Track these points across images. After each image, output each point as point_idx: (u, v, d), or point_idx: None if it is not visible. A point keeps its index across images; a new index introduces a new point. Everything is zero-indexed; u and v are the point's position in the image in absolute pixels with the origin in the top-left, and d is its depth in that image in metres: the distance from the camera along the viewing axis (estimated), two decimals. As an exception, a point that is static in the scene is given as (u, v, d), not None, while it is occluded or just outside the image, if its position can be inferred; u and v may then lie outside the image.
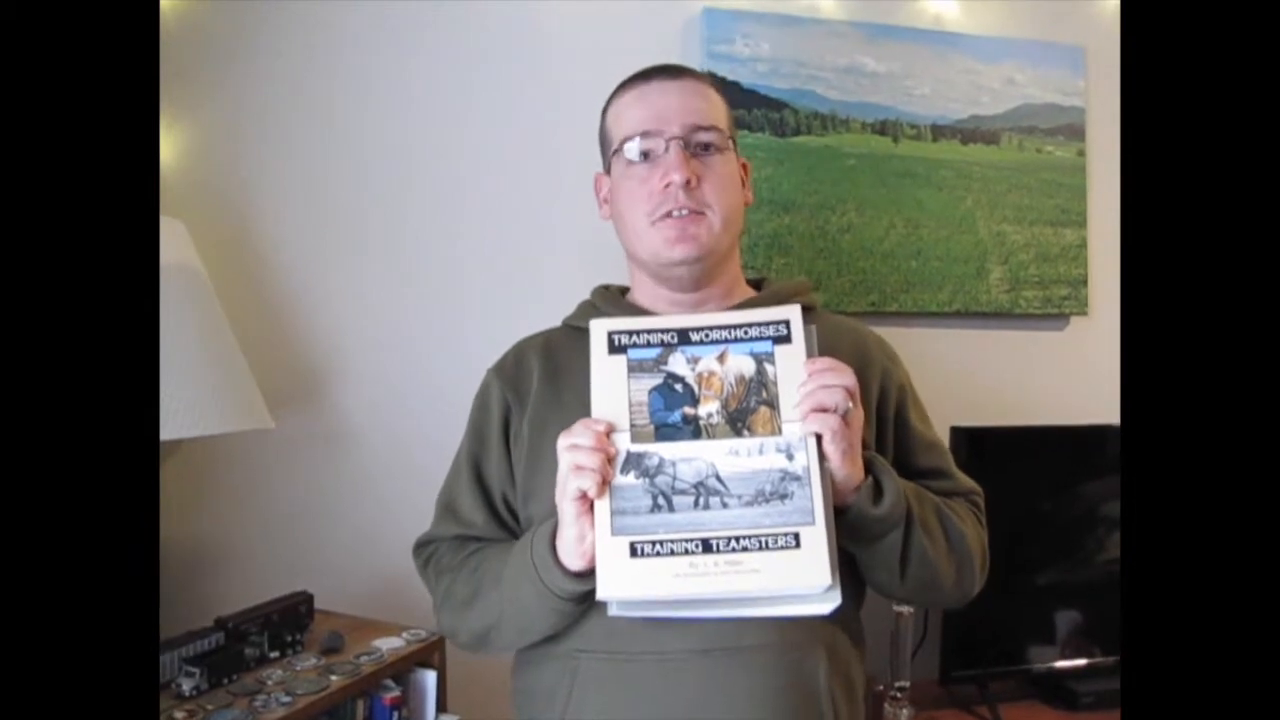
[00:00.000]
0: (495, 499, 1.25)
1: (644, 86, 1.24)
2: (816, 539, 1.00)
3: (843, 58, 2.16)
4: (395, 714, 1.51)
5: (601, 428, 1.03)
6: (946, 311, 2.21)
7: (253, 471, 1.85)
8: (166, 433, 1.38)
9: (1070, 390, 2.31)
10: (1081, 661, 2.06)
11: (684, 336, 1.10)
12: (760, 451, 1.04)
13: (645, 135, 1.20)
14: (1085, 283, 2.32)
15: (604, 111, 1.30)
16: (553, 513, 1.13)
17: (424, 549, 1.31)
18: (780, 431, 1.05)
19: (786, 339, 1.09)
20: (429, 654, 1.59)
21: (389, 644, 1.56)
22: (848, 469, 1.05)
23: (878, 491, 1.10)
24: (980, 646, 2.00)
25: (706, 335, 1.10)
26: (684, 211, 1.18)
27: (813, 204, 2.12)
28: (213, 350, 1.54)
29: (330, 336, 1.91)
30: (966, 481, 1.30)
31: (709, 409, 1.06)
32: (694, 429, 1.06)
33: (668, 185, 1.17)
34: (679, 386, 1.08)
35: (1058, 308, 2.30)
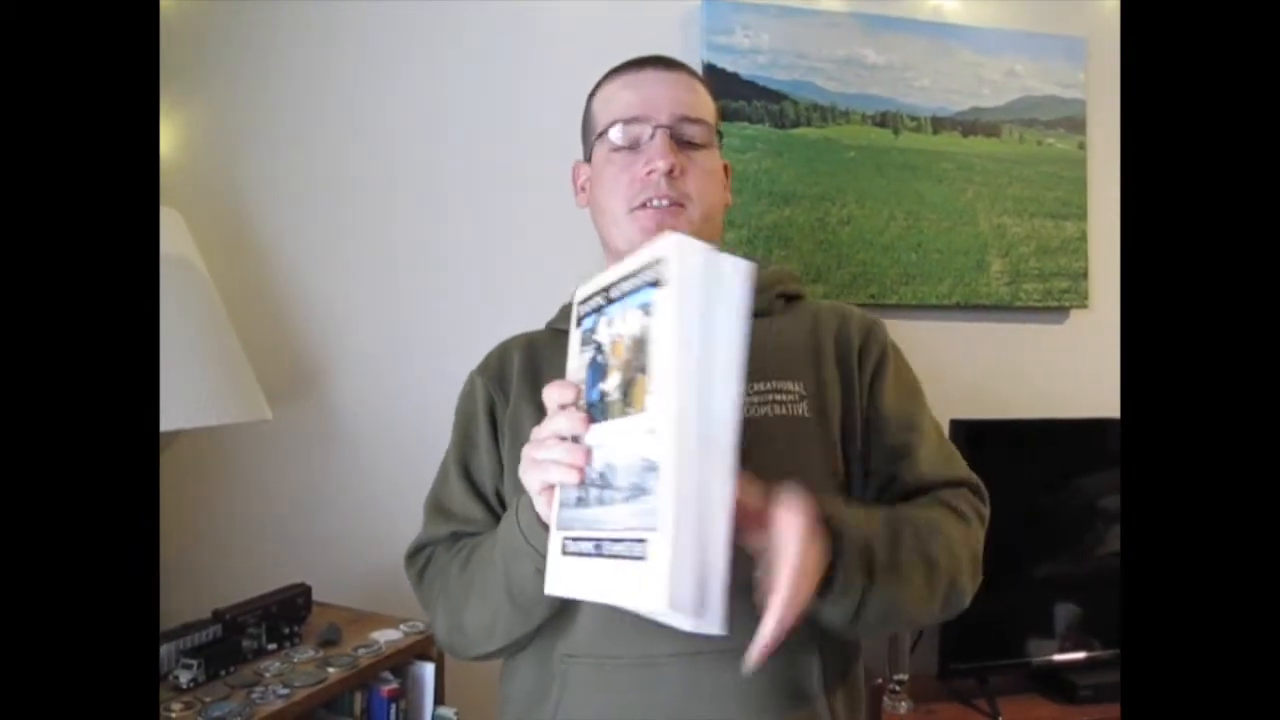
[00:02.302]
0: (488, 494, 1.22)
1: (635, 74, 1.21)
2: (661, 549, 0.77)
3: (843, 49, 2.16)
4: (393, 706, 1.51)
5: (583, 414, 0.90)
6: (946, 304, 2.21)
7: (251, 463, 1.85)
8: (164, 424, 1.37)
9: (1070, 383, 2.31)
10: (1080, 655, 2.06)
11: (608, 295, 0.91)
12: (633, 432, 0.83)
13: (633, 121, 1.18)
14: (1085, 275, 2.31)
15: (590, 97, 1.27)
16: None
17: (417, 557, 1.24)
18: (645, 407, 0.82)
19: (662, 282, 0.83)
20: (427, 646, 1.59)
21: (387, 636, 1.56)
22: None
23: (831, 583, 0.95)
24: (979, 640, 2.00)
25: (620, 289, 0.89)
26: (663, 202, 1.15)
27: (812, 196, 2.12)
28: (210, 341, 1.54)
29: (328, 328, 1.91)
30: (948, 471, 1.16)
31: (612, 381, 0.87)
32: (603, 407, 0.88)
33: (650, 172, 1.15)
34: (600, 357, 0.91)
35: (1058, 300, 2.30)
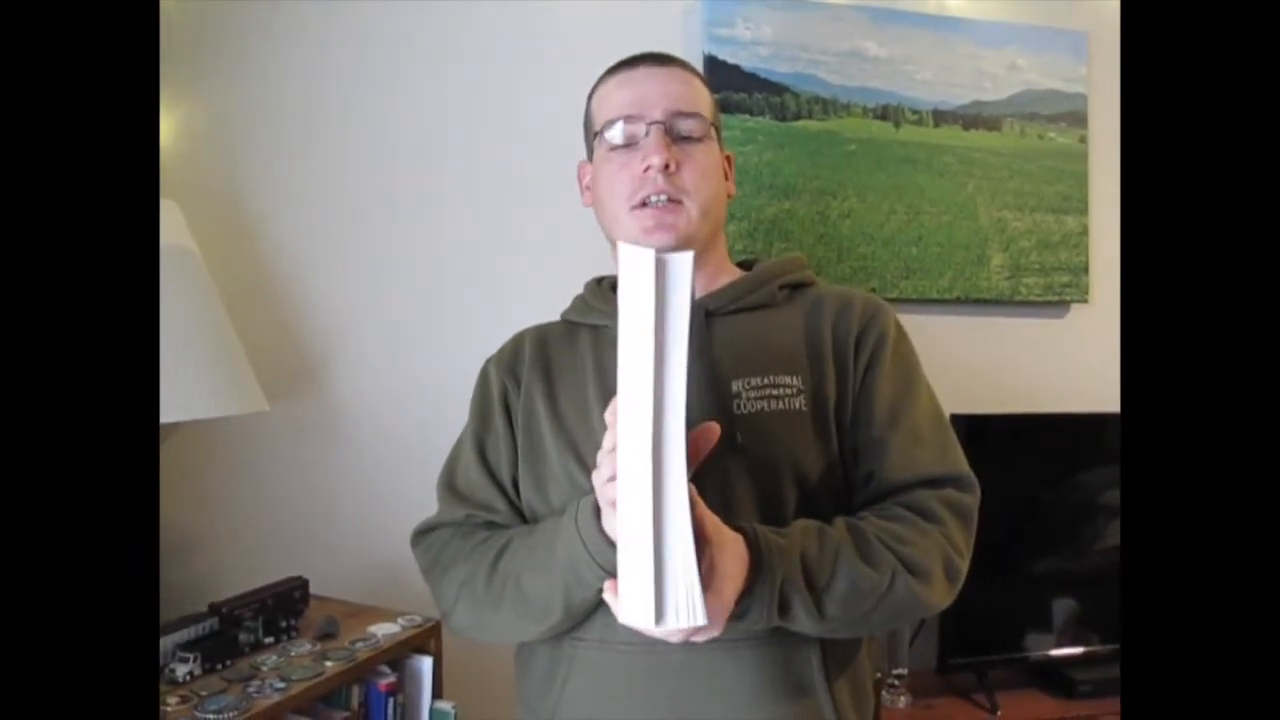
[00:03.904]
0: (504, 480, 1.22)
1: (629, 72, 1.22)
2: (620, 564, 0.84)
3: (844, 42, 2.15)
4: (391, 700, 1.50)
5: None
6: (947, 298, 2.20)
7: (248, 456, 1.84)
8: (161, 416, 1.37)
9: (1070, 378, 2.30)
10: (1079, 650, 2.06)
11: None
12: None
13: (628, 119, 1.19)
14: (1086, 270, 2.31)
15: (589, 97, 1.28)
16: (551, 507, 1.14)
17: (425, 536, 1.25)
18: None
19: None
20: (425, 640, 1.58)
21: (385, 630, 1.56)
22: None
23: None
24: (978, 635, 2.00)
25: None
26: (662, 198, 1.16)
27: (813, 189, 2.11)
28: (207, 333, 1.53)
29: (326, 320, 1.90)
30: (928, 469, 1.12)
31: None
32: None
33: (647, 169, 1.15)
34: None
35: (1058, 295, 2.29)
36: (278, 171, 1.87)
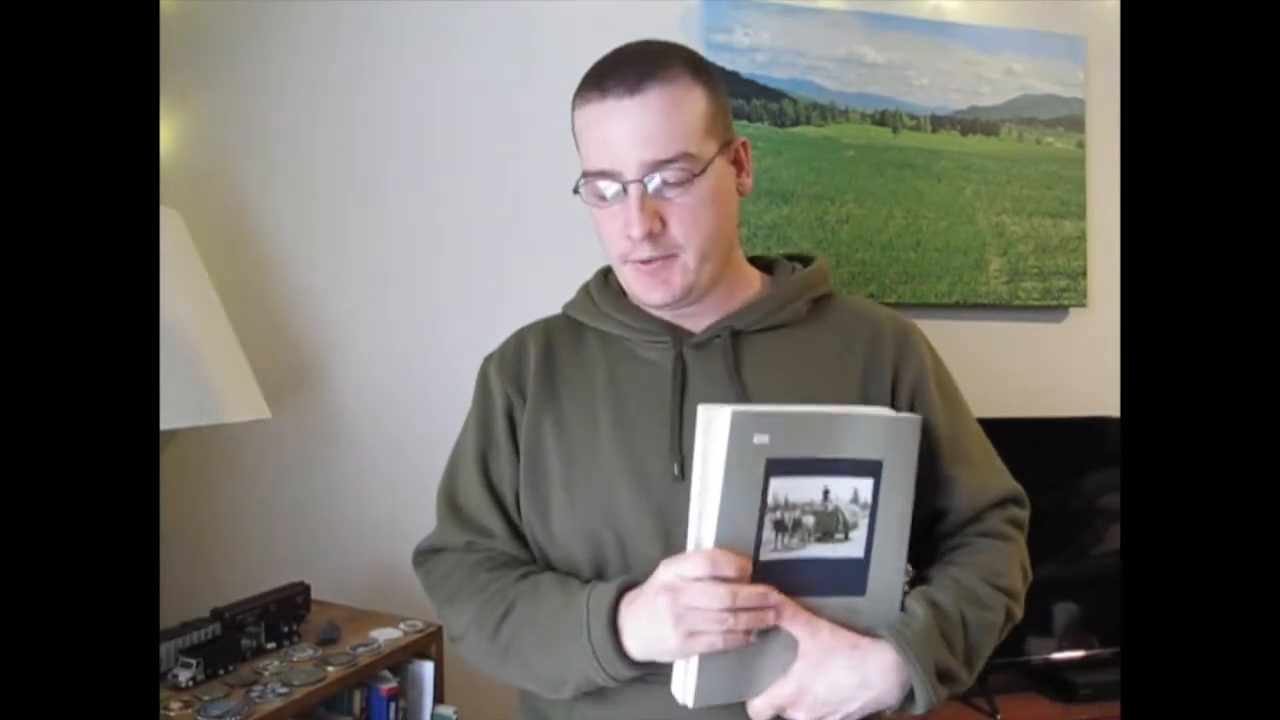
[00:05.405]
0: (507, 503, 1.17)
1: (600, 105, 1.07)
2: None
3: (842, 48, 2.16)
4: (392, 705, 1.51)
5: None
6: (945, 303, 2.21)
7: (249, 462, 1.84)
8: (163, 423, 1.37)
9: (1069, 382, 2.31)
10: (1079, 653, 2.06)
11: None
12: None
13: (603, 175, 1.07)
14: (1084, 274, 2.31)
15: (573, 105, 1.14)
16: (551, 533, 1.12)
17: (430, 562, 1.21)
18: None
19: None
20: (426, 645, 1.58)
21: (386, 635, 1.56)
22: None
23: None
24: (978, 638, 2.00)
25: None
26: (655, 254, 1.08)
27: (812, 195, 2.12)
28: (208, 340, 1.54)
29: (327, 327, 1.90)
30: (992, 491, 1.19)
31: None
32: None
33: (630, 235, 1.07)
34: None
35: (1056, 299, 2.30)
36: (278, 178, 1.87)
